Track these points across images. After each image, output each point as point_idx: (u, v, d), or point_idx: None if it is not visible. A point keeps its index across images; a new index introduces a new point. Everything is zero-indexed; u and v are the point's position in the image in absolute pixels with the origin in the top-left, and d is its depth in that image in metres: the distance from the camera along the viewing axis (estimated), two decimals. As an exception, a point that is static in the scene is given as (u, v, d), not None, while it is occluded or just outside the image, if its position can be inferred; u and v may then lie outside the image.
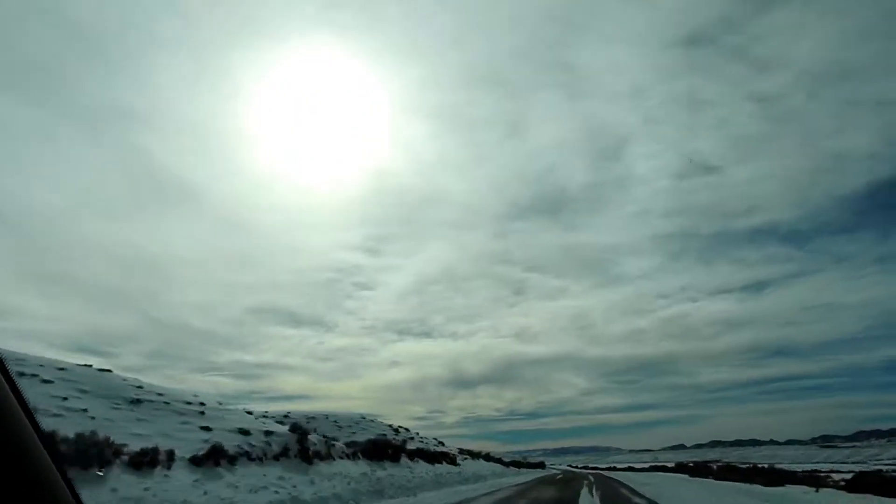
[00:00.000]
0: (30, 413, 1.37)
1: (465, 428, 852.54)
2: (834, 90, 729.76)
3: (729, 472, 38.21)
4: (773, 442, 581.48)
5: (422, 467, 25.31)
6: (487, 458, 50.59)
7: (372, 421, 61.72)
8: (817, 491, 18.73)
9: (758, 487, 23.06)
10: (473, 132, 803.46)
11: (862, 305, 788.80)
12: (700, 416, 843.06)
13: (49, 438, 1.42)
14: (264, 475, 15.71)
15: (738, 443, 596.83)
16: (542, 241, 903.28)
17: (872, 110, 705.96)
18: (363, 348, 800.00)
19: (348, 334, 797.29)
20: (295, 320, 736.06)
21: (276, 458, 17.28)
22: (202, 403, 20.30)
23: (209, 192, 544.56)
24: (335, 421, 56.33)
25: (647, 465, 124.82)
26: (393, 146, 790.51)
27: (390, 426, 58.20)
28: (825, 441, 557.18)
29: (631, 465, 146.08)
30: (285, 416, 55.50)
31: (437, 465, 29.77)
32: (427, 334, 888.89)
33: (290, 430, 19.05)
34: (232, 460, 15.07)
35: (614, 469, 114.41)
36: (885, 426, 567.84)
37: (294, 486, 15.77)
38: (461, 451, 43.17)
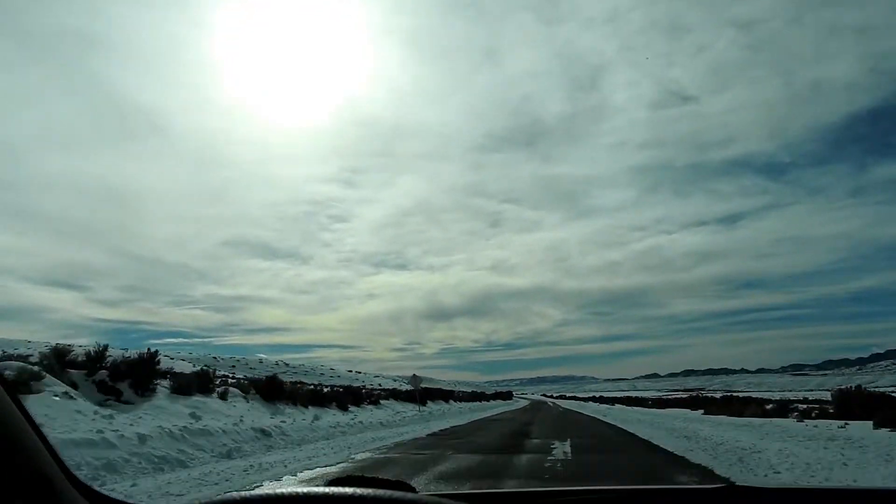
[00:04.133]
0: (15, 396, 1.26)
1: (444, 359, 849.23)
2: (815, 15, 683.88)
3: None
4: (743, 370, 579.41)
5: None
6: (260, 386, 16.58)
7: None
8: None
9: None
10: (447, 59, 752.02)
11: (833, 238, 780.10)
12: (673, 346, 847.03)
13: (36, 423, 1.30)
14: None
15: (711, 371, 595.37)
16: (518, 172, 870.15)
17: (853, 37, 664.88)
18: (340, 281, 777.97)
19: (325, 267, 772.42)
20: (270, 253, 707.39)
21: None
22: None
23: (177, 123, 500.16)
24: None
25: (660, 395, 78.39)
26: (366, 74, 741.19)
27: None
28: (795, 370, 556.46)
29: (627, 394, 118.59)
30: None
31: None
32: (404, 267, 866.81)
33: None
34: None
35: (598, 400, 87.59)
36: (852, 355, 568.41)
37: None
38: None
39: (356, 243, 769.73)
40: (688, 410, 30.99)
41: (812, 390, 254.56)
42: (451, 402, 42.18)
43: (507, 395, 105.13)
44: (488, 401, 64.06)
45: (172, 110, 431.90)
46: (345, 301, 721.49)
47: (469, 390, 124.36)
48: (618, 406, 51.42)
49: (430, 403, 33.75)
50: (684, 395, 66.03)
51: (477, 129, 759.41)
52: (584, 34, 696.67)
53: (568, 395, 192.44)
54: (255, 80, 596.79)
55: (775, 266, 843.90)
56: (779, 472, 7.51)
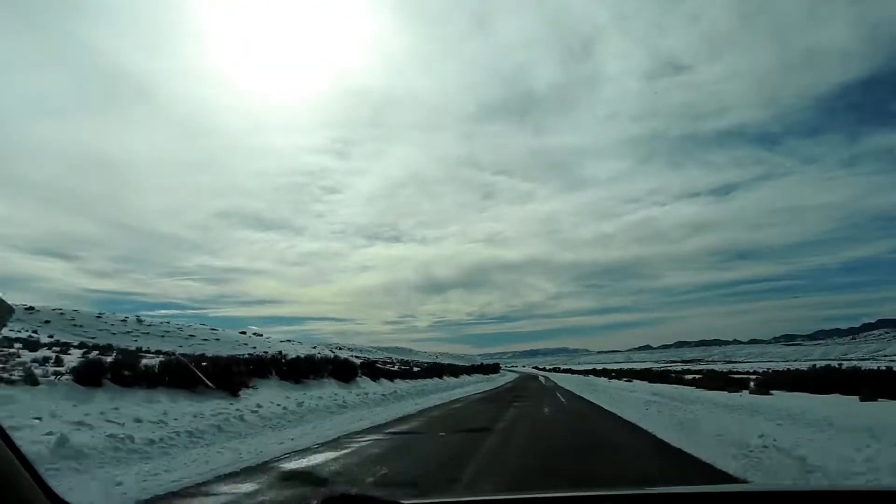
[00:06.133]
0: None
1: (437, 332, 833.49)
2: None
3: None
4: (736, 341, 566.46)
5: None
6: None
7: None
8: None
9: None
10: (439, 28, 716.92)
11: (827, 208, 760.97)
12: (666, 318, 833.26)
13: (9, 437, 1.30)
14: None
15: (703, 343, 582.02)
16: (510, 143, 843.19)
17: (847, 3, 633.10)
18: (333, 253, 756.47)
19: (318, 238, 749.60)
20: (263, 224, 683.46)
21: None
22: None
23: (166, 91, 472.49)
24: None
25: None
26: (357, 43, 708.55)
27: None
28: (787, 340, 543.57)
29: (624, 367, 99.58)
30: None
31: None
32: (397, 239, 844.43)
33: None
34: None
35: (604, 374, 69.44)
36: (843, 325, 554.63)
37: None
38: None
39: (349, 215, 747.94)
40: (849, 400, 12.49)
41: (817, 360, 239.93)
42: (384, 381, 23.79)
43: (493, 369, 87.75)
44: (457, 376, 45.78)
45: (163, 78, 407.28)
46: (338, 273, 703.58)
47: (453, 363, 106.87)
48: (641, 387, 33.21)
49: (310, 388, 15.13)
50: (712, 370, 48.37)
51: (469, 100, 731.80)
52: (578, 2, 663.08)
53: (562, 367, 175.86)
54: (245, 49, 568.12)
55: (768, 237, 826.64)
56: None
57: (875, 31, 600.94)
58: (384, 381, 25.73)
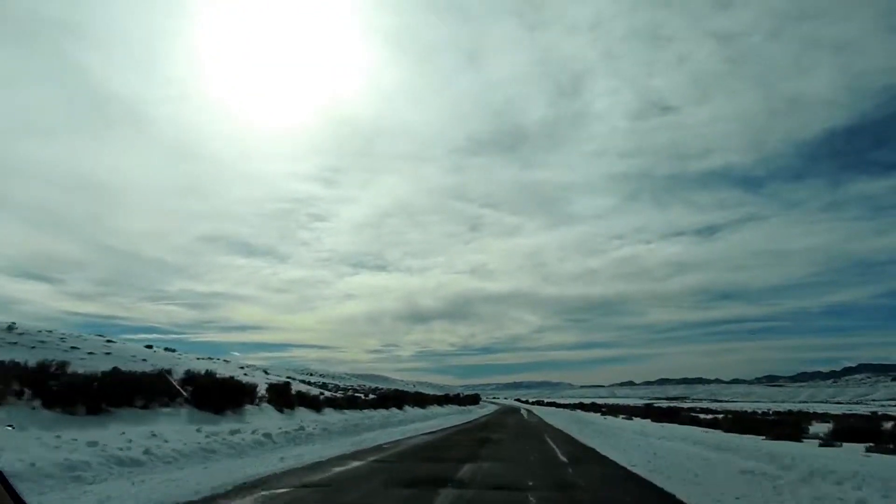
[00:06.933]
0: None
1: (421, 361, 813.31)
2: (794, 30, 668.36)
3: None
4: (718, 381, 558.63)
5: None
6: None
7: None
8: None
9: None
10: (431, 61, 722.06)
11: (809, 251, 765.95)
12: (649, 355, 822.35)
13: None
14: None
15: (685, 381, 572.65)
16: (498, 177, 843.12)
17: (832, 53, 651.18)
18: (318, 280, 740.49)
19: (303, 266, 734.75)
20: (248, 250, 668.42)
21: None
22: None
23: (156, 115, 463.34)
24: None
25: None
26: (348, 73, 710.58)
27: None
28: (770, 381, 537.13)
29: (609, 402, 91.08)
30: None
31: None
32: (382, 268, 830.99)
33: None
34: None
35: (598, 409, 61.36)
36: (825, 368, 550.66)
37: None
38: None
39: (335, 243, 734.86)
40: None
41: (806, 402, 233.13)
42: (302, 411, 15.99)
43: (471, 400, 79.66)
44: (424, 407, 37.55)
45: (150, 101, 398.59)
46: (322, 301, 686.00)
47: (428, 393, 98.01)
48: (656, 430, 25.66)
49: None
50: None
51: (459, 132, 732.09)
52: (567, 41, 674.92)
53: (546, 400, 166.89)
54: (234, 75, 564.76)
55: (751, 278, 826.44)
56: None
57: (858, 81, 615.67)
58: (302, 412, 17.88)
